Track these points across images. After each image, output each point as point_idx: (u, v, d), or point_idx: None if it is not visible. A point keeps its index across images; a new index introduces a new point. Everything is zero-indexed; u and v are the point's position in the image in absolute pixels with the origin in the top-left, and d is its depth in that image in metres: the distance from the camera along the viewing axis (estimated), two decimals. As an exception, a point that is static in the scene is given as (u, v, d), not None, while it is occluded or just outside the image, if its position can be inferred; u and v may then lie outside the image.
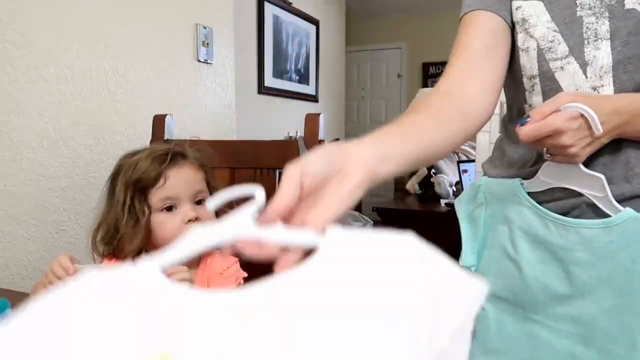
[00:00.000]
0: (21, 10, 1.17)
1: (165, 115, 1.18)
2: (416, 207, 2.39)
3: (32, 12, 1.20)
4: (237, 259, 0.91)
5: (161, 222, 0.84)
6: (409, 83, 5.02)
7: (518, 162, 0.74)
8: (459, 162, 2.71)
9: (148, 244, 0.86)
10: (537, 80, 0.73)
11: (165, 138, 1.17)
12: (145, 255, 0.85)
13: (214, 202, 0.42)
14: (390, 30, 5.30)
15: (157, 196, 0.84)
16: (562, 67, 0.70)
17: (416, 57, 5.02)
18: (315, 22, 3.84)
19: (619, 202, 0.63)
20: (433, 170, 2.62)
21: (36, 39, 1.21)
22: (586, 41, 0.67)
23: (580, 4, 0.67)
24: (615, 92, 0.65)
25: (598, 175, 0.64)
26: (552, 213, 0.69)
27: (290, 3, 3.45)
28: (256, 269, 1.04)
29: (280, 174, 1.10)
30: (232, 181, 1.12)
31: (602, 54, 0.66)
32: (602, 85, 0.66)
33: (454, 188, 2.66)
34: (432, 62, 4.80)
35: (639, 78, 0.64)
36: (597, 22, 0.66)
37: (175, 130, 1.21)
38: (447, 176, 2.82)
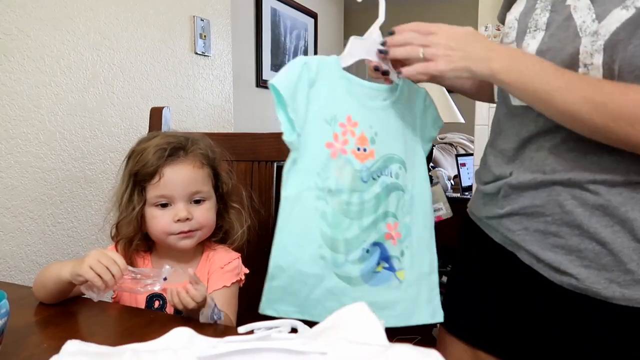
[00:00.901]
0: (15, 0, 1.16)
1: (162, 107, 1.17)
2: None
3: (27, 2, 1.19)
4: (239, 254, 0.91)
5: (153, 216, 0.84)
6: (408, 77, 5.01)
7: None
8: (457, 155, 2.71)
9: (143, 232, 0.86)
10: None
11: (163, 131, 1.16)
12: (145, 246, 0.85)
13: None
14: (389, 23, 5.27)
15: (152, 192, 0.84)
16: None
17: (415, 50, 5.00)
18: (313, 15, 3.83)
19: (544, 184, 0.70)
20: (431, 164, 2.62)
21: (31, 30, 1.20)
22: (528, 30, 0.71)
23: None
24: None
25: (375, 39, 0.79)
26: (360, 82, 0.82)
27: (288, -5, 3.43)
28: (257, 266, 1.04)
29: (277, 167, 1.10)
30: (231, 174, 1.12)
31: (533, 43, 0.69)
32: None
33: (452, 182, 2.67)
34: (431, 55, 4.78)
35: None
36: (540, 14, 0.70)
37: (172, 123, 1.21)
38: (446, 170, 2.82)
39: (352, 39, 0.80)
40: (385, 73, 0.81)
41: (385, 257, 0.80)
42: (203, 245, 0.91)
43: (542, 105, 0.65)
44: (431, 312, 0.83)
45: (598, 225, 0.65)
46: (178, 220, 0.83)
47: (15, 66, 1.17)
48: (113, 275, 0.72)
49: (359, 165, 0.79)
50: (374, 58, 0.81)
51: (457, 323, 0.86)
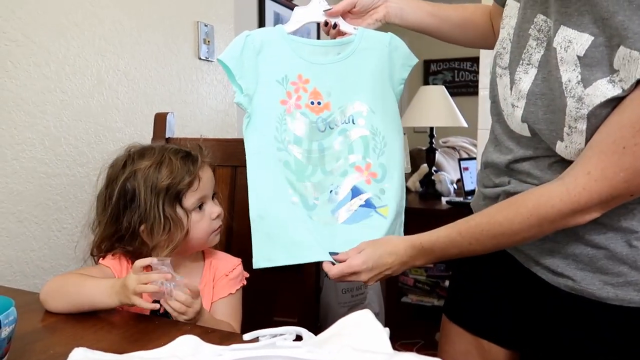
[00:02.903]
0: (21, 7, 1.17)
1: (167, 113, 1.18)
2: (417, 205, 2.39)
3: (32, 9, 1.20)
4: (240, 260, 0.92)
5: (195, 220, 0.85)
6: (410, 80, 5.00)
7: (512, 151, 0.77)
8: (460, 159, 2.71)
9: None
10: (490, 77, 0.79)
11: (167, 136, 1.17)
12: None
13: None
14: (391, 27, 5.27)
15: (192, 198, 0.84)
16: (500, 76, 0.75)
17: (417, 54, 4.99)
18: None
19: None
20: (434, 168, 2.62)
21: (36, 36, 1.21)
22: (521, 62, 0.69)
23: (535, 22, 0.68)
24: (522, 117, 0.69)
25: None
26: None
27: (291, 0, 3.44)
28: (257, 273, 1.05)
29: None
30: (234, 180, 1.12)
31: (526, 79, 0.68)
32: (517, 106, 0.69)
33: (455, 186, 2.67)
34: (434, 59, 4.79)
35: (542, 115, 0.66)
36: (535, 48, 0.67)
37: (176, 128, 1.22)
38: (449, 174, 2.82)
39: (297, 9, 0.91)
40: (335, 26, 0.91)
41: (358, 196, 0.86)
42: (203, 251, 0.92)
43: (471, 256, 0.75)
44: None
45: (592, 232, 0.67)
46: (216, 217, 0.87)
47: (20, 72, 1.18)
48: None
49: (314, 117, 0.88)
50: (320, 19, 0.90)
51: (462, 313, 0.88)
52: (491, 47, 0.95)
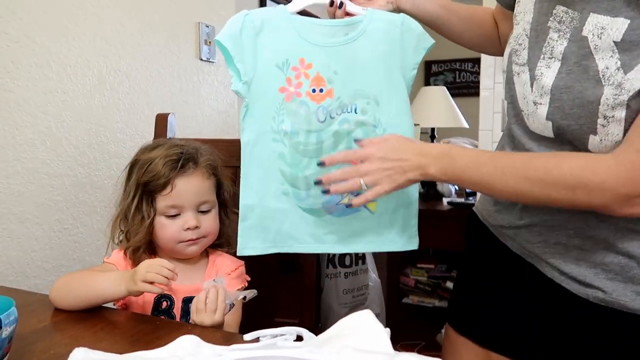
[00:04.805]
0: (22, 8, 1.17)
1: (168, 113, 1.18)
2: (418, 206, 2.38)
3: (33, 10, 1.20)
4: (242, 262, 0.93)
5: (163, 224, 0.86)
6: (411, 81, 5.02)
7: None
8: (461, 160, 2.70)
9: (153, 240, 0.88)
10: (504, 77, 0.76)
11: (168, 137, 1.17)
12: (149, 250, 0.87)
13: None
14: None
15: (163, 202, 0.85)
16: (518, 74, 0.71)
17: (418, 55, 4.99)
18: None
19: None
20: (435, 169, 2.61)
21: (38, 37, 1.21)
22: (542, 56, 0.67)
23: (555, 14, 0.65)
24: (548, 114, 0.66)
25: None
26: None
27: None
28: (258, 274, 1.05)
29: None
30: (236, 180, 1.12)
31: (548, 74, 0.65)
32: (541, 103, 0.67)
33: (457, 187, 2.66)
34: (435, 60, 4.78)
35: (569, 110, 0.63)
36: (557, 40, 0.65)
37: (177, 129, 1.22)
38: (449, 174, 2.81)
39: None
40: (341, 6, 0.85)
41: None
42: (207, 250, 0.93)
43: (485, 191, 0.69)
44: (405, 240, 0.88)
45: (624, 239, 0.64)
46: (187, 228, 0.85)
47: (22, 73, 1.18)
48: (167, 277, 0.74)
49: (314, 107, 0.82)
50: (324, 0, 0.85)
51: (470, 325, 0.84)
52: (492, 51, 0.93)
